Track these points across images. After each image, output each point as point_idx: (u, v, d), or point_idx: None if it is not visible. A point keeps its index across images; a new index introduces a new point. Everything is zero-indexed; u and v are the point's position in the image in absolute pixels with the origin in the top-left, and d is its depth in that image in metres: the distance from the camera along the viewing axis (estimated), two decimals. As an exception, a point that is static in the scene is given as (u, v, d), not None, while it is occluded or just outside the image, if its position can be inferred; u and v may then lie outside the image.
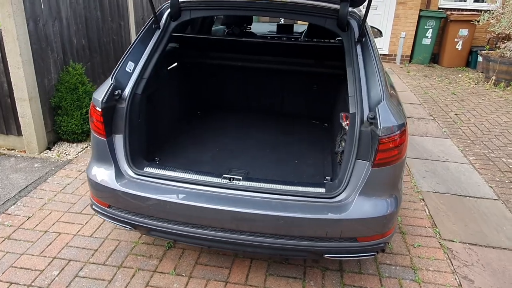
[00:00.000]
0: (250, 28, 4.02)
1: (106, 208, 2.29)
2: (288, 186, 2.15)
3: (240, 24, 3.82)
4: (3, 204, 3.26)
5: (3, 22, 3.56)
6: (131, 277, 2.52)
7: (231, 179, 2.20)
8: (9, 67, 3.74)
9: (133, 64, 2.38)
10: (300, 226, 2.03)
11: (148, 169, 2.26)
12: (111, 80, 2.25)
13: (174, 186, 2.16)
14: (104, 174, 2.24)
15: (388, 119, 2.01)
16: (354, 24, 2.40)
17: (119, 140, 2.26)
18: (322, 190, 2.15)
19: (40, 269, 2.58)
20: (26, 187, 3.51)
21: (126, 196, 2.15)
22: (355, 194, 2.06)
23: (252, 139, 3.07)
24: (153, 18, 2.52)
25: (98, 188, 2.24)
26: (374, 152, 2.01)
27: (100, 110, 2.18)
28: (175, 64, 3.12)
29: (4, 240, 2.84)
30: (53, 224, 3.02)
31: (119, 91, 2.24)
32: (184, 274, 2.55)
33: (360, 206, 2.04)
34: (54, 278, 2.51)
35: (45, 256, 2.69)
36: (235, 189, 2.12)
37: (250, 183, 2.16)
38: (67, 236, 2.89)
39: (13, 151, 4.16)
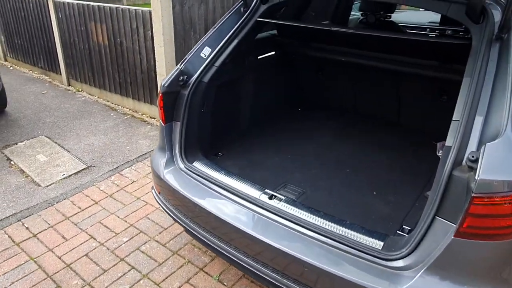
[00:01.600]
0: (390, 17, 3.30)
1: (157, 193, 2.26)
2: (333, 224, 1.62)
3: (375, 11, 3.17)
4: (122, 164, 3.71)
5: (152, 4, 3.96)
6: (178, 267, 2.47)
7: (272, 197, 1.81)
8: (154, 45, 4.18)
9: (209, 50, 2.22)
10: (330, 284, 1.51)
11: (196, 164, 2.10)
12: (180, 65, 2.15)
13: (207, 187, 1.94)
14: (158, 159, 2.20)
15: (500, 167, 1.25)
16: (495, 13, 1.59)
17: (177, 128, 2.16)
18: (378, 244, 1.54)
19: (116, 232, 2.81)
20: (145, 153, 3.91)
21: (166, 185, 2.06)
22: (422, 267, 1.39)
23: (338, 152, 2.52)
24: (242, 0, 2.28)
25: (152, 171, 2.22)
26: (463, 214, 1.29)
27: (160, 94, 2.11)
28: (272, 53, 2.81)
29: (107, 197, 3.23)
30: (146, 193, 3.26)
31: (185, 77, 2.12)
32: (225, 283, 2.34)
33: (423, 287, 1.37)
34: (121, 245, 2.68)
35: (126, 222, 2.91)
36: (266, 209, 1.74)
37: (288, 207, 1.73)
38: (150, 208, 3.06)
39: (153, 119, 4.71)
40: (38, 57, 6.18)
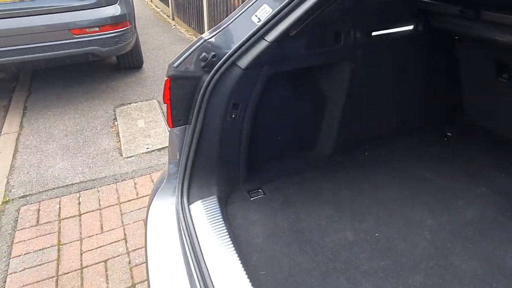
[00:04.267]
0: None
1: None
2: None
3: None
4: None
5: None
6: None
7: None
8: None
9: (270, 11, 1.22)
10: None
11: (194, 206, 1.22)
12: (210, 33, 1.25)
13: (182, 255, 1.05)
14: (160, 179, 1.41)
15: None
16: None
17: (188, 137, 1.31)
18: None
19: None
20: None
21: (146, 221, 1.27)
22: None
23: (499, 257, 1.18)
24: None
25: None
26: None
27: (166, 78, 1.28)
28: (409, 28, 1.51)
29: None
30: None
31: (211, 53, 1.21)
32: None
33: None
34: (144, 262, 2.09)
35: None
36: None
37: None
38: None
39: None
40: (192, 18, 6.13)
